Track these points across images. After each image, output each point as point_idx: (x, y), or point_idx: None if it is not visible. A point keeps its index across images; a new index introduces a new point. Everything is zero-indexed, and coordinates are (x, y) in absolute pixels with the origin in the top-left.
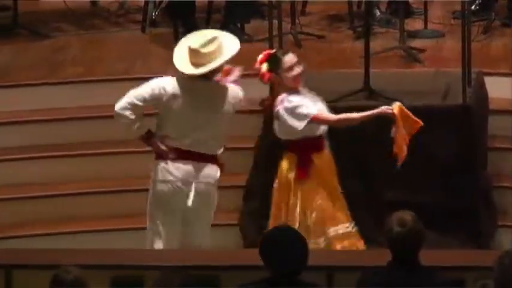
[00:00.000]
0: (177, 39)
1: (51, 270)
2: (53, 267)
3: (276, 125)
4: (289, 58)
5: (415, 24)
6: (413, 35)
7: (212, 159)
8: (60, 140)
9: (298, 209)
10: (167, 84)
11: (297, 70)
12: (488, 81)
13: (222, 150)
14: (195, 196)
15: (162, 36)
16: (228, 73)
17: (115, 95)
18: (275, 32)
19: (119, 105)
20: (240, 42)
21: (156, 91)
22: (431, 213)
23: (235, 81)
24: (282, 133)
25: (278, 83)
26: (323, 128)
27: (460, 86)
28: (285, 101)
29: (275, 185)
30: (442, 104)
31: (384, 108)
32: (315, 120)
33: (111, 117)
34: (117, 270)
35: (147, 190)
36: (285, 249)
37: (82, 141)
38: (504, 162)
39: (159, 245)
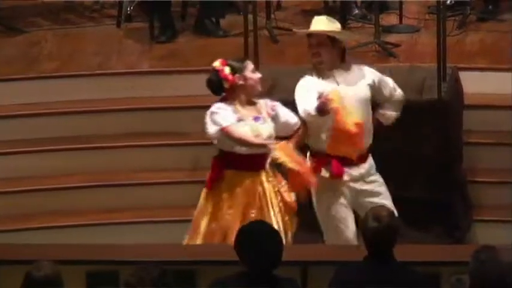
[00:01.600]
0: (152, 34)
1: (26, 265)
2: (27, 262)
3: None
4: (250, 62)
5: (390, 19)
6: (389, 30)
7: None
8: (49, 134)
9: (204, 219)
10: None
11: (259, 74)
12: (464, 76)
13: None
14: None
15: (138, 31)
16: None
17: (90, 89)
18: (250, 27)
19: None
20: (215, 38)
21: None
22: (407, 208)
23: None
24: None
25: (240, 87)
26: (246, 148)
27: (435, 81)
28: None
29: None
30: (417, 98)
31: (271, 146)
32: (223, 132)
33: (93, 112)
34: (92, 265)
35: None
36: (259, 245)
37: (72, 135)
38: (479, 156)
39: None
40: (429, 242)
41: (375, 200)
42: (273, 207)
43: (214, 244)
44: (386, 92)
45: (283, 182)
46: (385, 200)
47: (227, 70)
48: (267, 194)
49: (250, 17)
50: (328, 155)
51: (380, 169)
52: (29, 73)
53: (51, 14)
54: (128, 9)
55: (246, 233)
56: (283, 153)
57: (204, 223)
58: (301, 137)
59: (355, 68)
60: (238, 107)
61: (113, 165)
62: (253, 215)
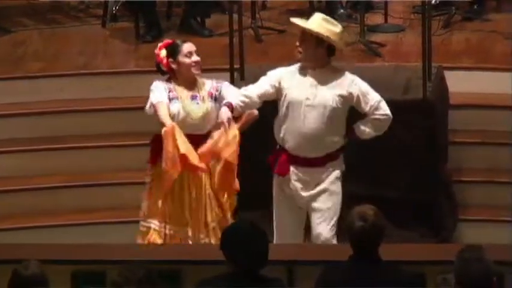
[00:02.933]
0: (137, 33)
1: (11, 265)
2: (11, 262)
3: None
4: (188, 45)
5: (375, 18)
6: (374, 29)
7: None
8: (32, 134)
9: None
10: None
11: (194, 58)
12: (449, 75)
13: None
14: None
15: (123, 30)
16: None
17: (76, 89)
18: (236, 27)
19: None
20: (201, 37)
21: None
22: (392, 207)
23: None
24: None
25: (176, 70)
26: (187, 125)
27: (421, 81)
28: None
29: None
30: (403, 98)
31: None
32: (153, 107)
33: (79, 111)
34: (77, 265)
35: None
36: (245, 245)
37: (56, 135)
38: (464, 156)
39: None
40: (415, 242)
41: (314, 214)
42: (205, 187)
43: (200, 244)
44: (365, 107)
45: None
46: (322, 219)
47: (162, 54)
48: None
49: (235, 16)
50: (284, 150)
51: (365, 169)
52: (15, 73)
53: (37, 14)
54: (113, 8)
55: (232, 233)
56: (170, 137)
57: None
58: (250, 118)
59: (339, 75)
60: (176, 86)
61: (96, 165)
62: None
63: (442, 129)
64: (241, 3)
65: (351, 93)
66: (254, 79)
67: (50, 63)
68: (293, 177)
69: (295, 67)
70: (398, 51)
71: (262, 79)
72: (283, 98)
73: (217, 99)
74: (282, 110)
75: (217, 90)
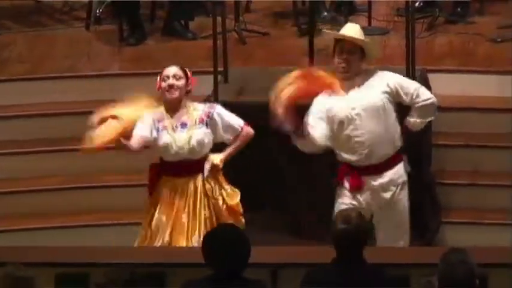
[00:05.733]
0: (121, 36)
1: None
2: None
3: None
4: (168, 69)
5: (359, 21)
6: None
7: None
8: (18, 136)
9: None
10: None
11: (169, 82)
12: (432, 78)
13: None
14: None
15: (107, 33)
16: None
17: (60, 92)
18: (219, 29)
19: None
20: (185, 40)
21: None
22: None
23: None
24: None
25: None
26: (176, 154)
27: None
28: None
29: None
30: None
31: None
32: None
33: (63, 114)
34: (61, 267)
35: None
36: (225, 248)
37: (41, 138)
38: (448, 158)
39: None
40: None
41: (387, 223)
42: (204, 209)
43: (184, 247)
44: (406, 98)
45: (227, 186)
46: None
47: (158, 78)
48: (198, 196)
49: (219, 19)
50: (349, 165)
51: None
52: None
53: (21, 17)
54: (97, 11)
55: (211, 236)
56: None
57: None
58: (244, 141)
59: (372, 74)
60: (165, 113)
61: (83, 167)
62: (184, 220)
63: (425, 132)
64: (225, 5)
65: (390, 87)
66: (238, 82)
67: (35, 66)
68: (368, 187)
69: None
70: (382, 53)
71: (313, 120)
72: (332, 121)
73: (208, 124)
74: (335, 131)
75: (208, 117)
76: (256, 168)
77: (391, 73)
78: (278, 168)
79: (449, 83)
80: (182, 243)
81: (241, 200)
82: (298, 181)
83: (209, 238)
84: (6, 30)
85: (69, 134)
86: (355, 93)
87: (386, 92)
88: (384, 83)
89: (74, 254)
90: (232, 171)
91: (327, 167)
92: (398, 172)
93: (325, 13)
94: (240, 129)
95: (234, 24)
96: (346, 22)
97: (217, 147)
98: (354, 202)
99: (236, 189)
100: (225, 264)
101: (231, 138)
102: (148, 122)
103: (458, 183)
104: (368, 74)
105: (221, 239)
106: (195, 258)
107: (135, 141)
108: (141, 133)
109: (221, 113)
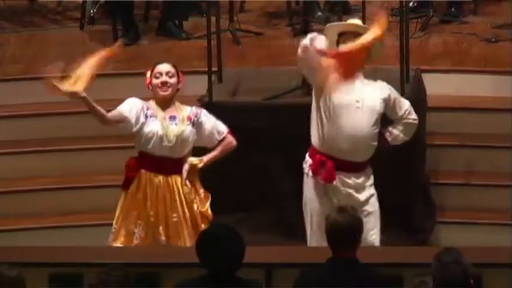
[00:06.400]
0: (115, 36)
1: None
2: None
3: None
4: (161, 66)
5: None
6: None
7: None
8: (9, 137)
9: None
10: None
11: (162, 79)
12: (427, 78)
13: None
14: None
15: (101, 33)
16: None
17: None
18: (213, 29)
19: None
20: (179, 40)
21: None
22: None
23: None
24: None
25: (151, 90)
26: (154, 148)
27: (398, 83)
28: None
29: None
30: None
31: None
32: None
33: (58, 114)
34: (55, 267)
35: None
36: (219, 247)
37: (33, 138)
38: (442, 158)
39: None
40: (392, 244)
41: (368, 218)
42: (175, 212)
43: (178, 247)
44: (399, 112)
45: (201, 191)
46: (375, 222)
47: (148, 73)
48: (183, 197)
49: (213, 19)
50: (325, 155)
51: None
52: None
53: (15, 17)
54: (91, 11)
55: (206, 236)
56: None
57: (125, 223)
58: (226, 149)
59: (373, 79)
60: (154, 106)
61: (76, 167)
62: (175, 219)
63: (420, 132)
64: (219, 5)
65: (389, 97)
66: (232, 82)
67: (28, 66)
68: (341, 183)
69: None
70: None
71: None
72: (325, 100)
73: (195, 124)
74: (330, 112)
75: (196, 116)
76: (248, 168)
77: (388, 85)
78: (269, 168)
79: (444, 83)
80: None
81: (233, 201)
82: (290, 181)
83: (203, 238)
84: (0, 30)
85: (62, 134)
86: (359, 87)
87: (384, 100)
88: (385, 91)
89: (68, 254)
90: (222, 172)
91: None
92: (368, 175)
93: (319, 13)
94: (223, 134)
95: (228, 24)
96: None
97: (197, 153)
98: (323, 196)
99: (208, 194)
100: (219, 264)
101: (214, 142)
102: (135, 105)
103: (452, 183)
104: (371, 77)
105: (215, 239)
106: (189, 258)
107: (112, 112)
108: (120, 108)
109: (208, 116)
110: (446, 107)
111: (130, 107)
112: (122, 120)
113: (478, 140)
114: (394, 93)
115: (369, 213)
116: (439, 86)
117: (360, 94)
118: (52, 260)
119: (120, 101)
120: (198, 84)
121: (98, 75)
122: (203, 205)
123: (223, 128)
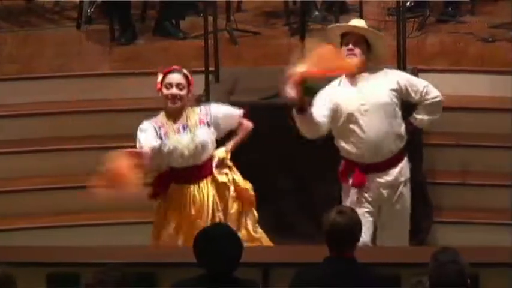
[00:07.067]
0: (112, 36)
1: None
2: None
3: None
4: (171, 76)
5: (350, 20)
6: None
7: None
8: (6, 136)
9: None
10: None
11: (172, 91)
12: (424, 77)
13: None
14: None
15: (98, 33)
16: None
17: (51, 91)
18: (210, 29)
19: None
20: (176, 39)
21: None
22: None
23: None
24: None
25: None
26: (178, 162)
27: None
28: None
29: None
30: None
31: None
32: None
33: (54, 114)
34: (52, 267)
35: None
36: (216, 247)
37: (30, 138)
38: (439, 158)
39: None
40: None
41: (392, 222)
42: (218, 210)
43: (175, 246)
44: (416, 96)
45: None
46: (399, 229)
47: (159, 78)
48: (211, 200)
49: (210, 18)
50: (353, 162)
51: (337, 170)
52: None
53: (11, 16)
54: (88, 11)
55: (203, 236)
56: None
57: (164, 233)
58: (246, 132)
59: (380, 72)
60: (166, 118)
61: (71, 167)
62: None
63: (416, 131)
64: (216, 5)
65: (399, 85)
66: (229, 82)
67: (25, 66)
68: (373, 185)
69: (334, 83)
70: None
71: (316, 106)
72: (338, 114)
73: (210, 124)
74: (340, 124)
75: (207, 115)
76: (245, 167)
77: (398, 71)
78: (266, 167)
79: (440, 82)
80: None
81: None
82: (288, 181)
83: (201, 238)
84: None
85: (58, 133)
86: (364, 88)
87: (395, 90)
88: (393, 80)
89: (65, 253)
90: None
91: (317, 167)
92: (403, 170)
93: (316, 13)
94: (240, 113)
95: (225, 23)
96: (337, 22)
97: (220, 144)
98: (362, 199)
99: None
100: (216, 264)
101: (236, 124)
102: (150, 131)
103: (449, 183)
104: (376, 71)
105: (213, 239)
106: (187, 257)
107: (146, 151)
108: (148, 143)
109: (218, 107)
110: (443, 106)
111: (150, 136)
112: (156, 151)
113: (474, 139)
114: (404, 79)
115: (397, 211)
116: (436, 85)
117: (362, 96)
118: (49, 259)
119: (117, 100)
120: (195, 84)
121: (95, 75)
122: (244, 183)
123: (237, 111)
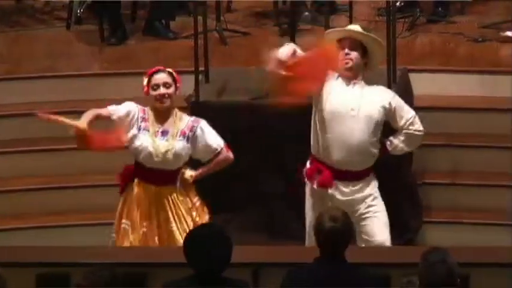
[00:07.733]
0: (102, 36)
1: None
2: None
3: None
4: (157, 76)
5: (340, 21)
6: None
7: None
8: (3, 136)
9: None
10: None
11: (160, 91)
12: (414, 77)
13: None
14: None
15: (88, 33)
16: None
17: (41, 92)
18: (200, 29)
19: None
20: (166, 40)
21: None
22: None
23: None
24: None
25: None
26: (145, 161)
27: (385, 83)
28: None
29: None
30: None
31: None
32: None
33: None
34: (42, 267)
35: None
36: (206, 247)
37: (21, 138)
38: (428, 158)
39: None
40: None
41: (367, 227)
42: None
43: (166, 246)
44: (400, 121)
45: (196, 199)
46: (382, 223)
47: (145, 81)
48: (180, 207)
49: (200, 18)
50: (324, 163)
51: None
52: None
53: (1, 16)
54: (78, 11)
55: (192, 236)
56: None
57: (123, 227)
58: (220, 164)
59: (375, 87)
60: (151, 117)
61: (63, 167)
62: (173, 228)
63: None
64: (206, 5)
65: (390, 105)
66: (219, 82)
67: (15, 66)
68: (337, 191)
69: (336, 75)
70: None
71: None
72: (324, 105)
73: (189, 139)
74: (324, 120)
75: (191, 131)
76: (235, 168)
77: (394, 93)
78: (256, 168)
79: (430, 82)
80: None
81: (220, 201)
82: (277, 181)
83: (190, 238)
84: None
85: (49, 134)
86: (357, 94)
87: (384, 108)
88: (386, 99)
89: (55, 254)
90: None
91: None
92: (369, 184)
93: (306, 13)
94: (219, 149)
95: (215, 24)
96: (327, 22)
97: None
98: (320, 205)
99: (204, 204)
100: (206, 264)
101: (208, 157)
102: (131, 113)
103: (438, 183)
104: (372, 83)
105: (202, 239)
106: (177, 258)
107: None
108: (119, 107)
109: (204, 130)
110: (433, 106)
111: (126, 114)
112: (103, 118)
113: (464, 139)
114: (397, 102)
115: (375, 216)
116: (426, 85)
117: (356, 102)
118: (38, 260)
119: (108, 100)
120: (185, 84)
121: (85, 75)
122: (202, 217)
123: (218, 143)
